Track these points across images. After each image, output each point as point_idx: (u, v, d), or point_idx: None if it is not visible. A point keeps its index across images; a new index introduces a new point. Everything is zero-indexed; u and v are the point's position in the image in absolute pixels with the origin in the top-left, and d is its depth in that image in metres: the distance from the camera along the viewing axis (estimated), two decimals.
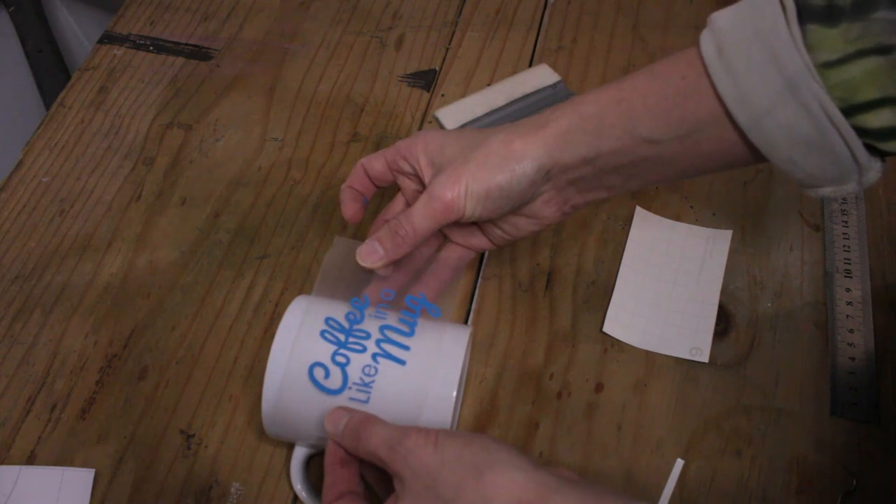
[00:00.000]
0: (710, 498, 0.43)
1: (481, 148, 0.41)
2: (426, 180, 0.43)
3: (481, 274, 0.51)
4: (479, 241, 0.46)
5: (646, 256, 0.52)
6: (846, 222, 0.53)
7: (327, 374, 0.39)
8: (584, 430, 0.45)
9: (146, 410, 0.46)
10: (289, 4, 0.68)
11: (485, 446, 0.34)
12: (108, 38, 0.65)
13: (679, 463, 0.44)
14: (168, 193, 0.55)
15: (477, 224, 0.46)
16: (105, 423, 0.45)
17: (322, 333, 0.40)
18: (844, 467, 0.44)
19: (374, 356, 0.39)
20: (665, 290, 0.50)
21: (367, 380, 0.39)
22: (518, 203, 0.41)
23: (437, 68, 0.63)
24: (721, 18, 0.36)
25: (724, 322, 0.49)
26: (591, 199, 0.43)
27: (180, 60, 0.63)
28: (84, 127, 0.59)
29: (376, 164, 0.45)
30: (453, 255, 0.47)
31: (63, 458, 0.44)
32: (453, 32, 0.65)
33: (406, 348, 0.39)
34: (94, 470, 0.43)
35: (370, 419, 0.37)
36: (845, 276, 0.51)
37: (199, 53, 0.64)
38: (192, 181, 0.56)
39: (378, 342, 0.39)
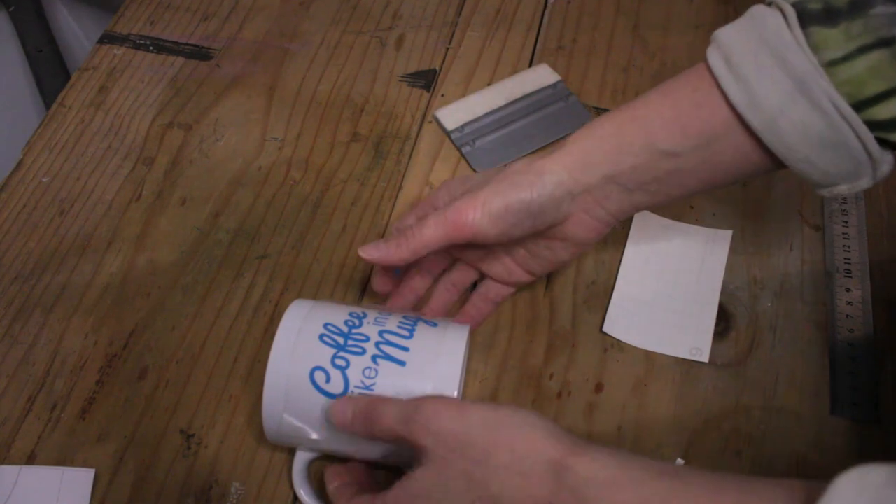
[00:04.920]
0: None
1: (501, 172, 0.41)
2: None
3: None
4: (518, 275, 0.46)
5: (646, 256, 0.52)
6: (846, 222, 0.53)
7: (328, 379, 0.39)
8: (584, 430, 0.45)
9: (146, 410, 0.46)
10: (289, 4, 0.68)
11: (513, 410, 0.34)
12: (108, 38, 0.65)
13: (679, 463, 0.44)
14: (168, 193, 0.55)
15: (512, 258, 0.46)
16: (105, 423, 0.45)
17: (321, 337, 0.40)
18: (844, 467, 0.44)
19: (373, 358, 0.39)
20: (665, 290, 0.50)
21: (367, 382, 0.38)
22: (542, 221, 0.41)
23: (437, 68, 0.63)
24: (724, 33, 0.38)
25: (724, 322, 0.49)
26: (622, 216, 0.43)
27: (180, 60, 0.63)
28: (84, 127, 0.59)
29: (409, 219, 0.46)
30: (490, 291, 0.48)
31: (63, 458, 0.44)
32: (453, 32, 0.65)
33: (405, 349, 0.39)
34: (94, 470, 0.43)
35: (377, 400, 0.37)
36: (845, 276, 0.51)
37: (199, 53, 0.64)
38: (192, 181, 0.56)
39: (377, 344, 0.39)
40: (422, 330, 0.41)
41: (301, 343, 0.40)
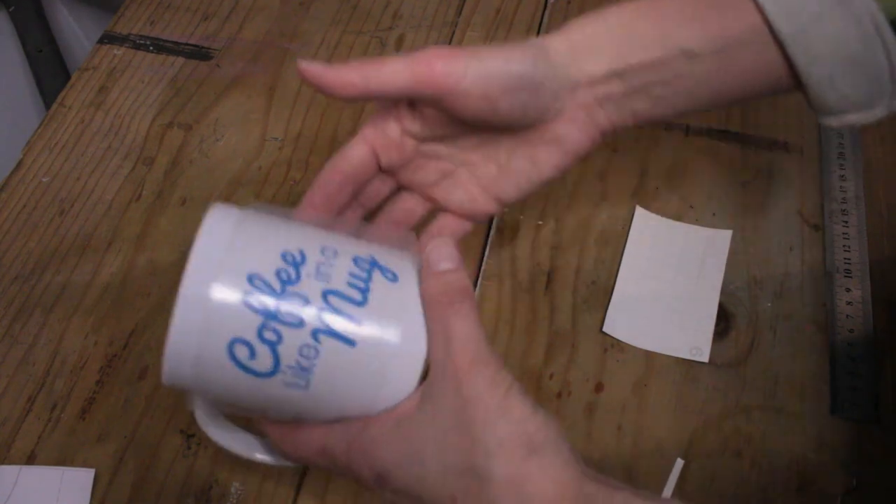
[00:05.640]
0: (710, 498, 0.43)
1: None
2: None
3: (482, 274, 0.51)
4: (483, 204, 0.39)
5: (646, 256, 0.52)
6: (846, 222, 0.53)
7: (252, 355, 0.30)
8: (584, 430, 0.45)
9: (146, 410, 0.46)
10: (289, 4, 0.67)
11: (547, 424, 0.29)
12: (108, 38, 0.65)
13: (679, 463, 0.44)
14: (168, 193, 0.55)
15: (478, 179, 0.39)
16: (105, 423, 0.45)
17: (245, 299, 0.29)
18: (844, 467, 0.44)
19: (314, 333, 0.30)
20: (665, 290, 0.50)
21: (305, 363, 0.30)
22: (536, 103, 0.35)
23: None
24: None
25: (724, 322, 0.49)
26: (618, 123, 0.37)
27: (180, 60, 0.63)
28: (84, 127, 0.59)
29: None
30: (446, 229, 0.40)
31: (63, 458, 0.44)
32: (453, 32, 0.65)
33: (356, 321, 0.31)
34: (94, 470, 0.43)
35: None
36: (845, 276, 0.51)
37: (199, 53, 0.64)
38: (192, 181, 0.56)
39: (320, 313, 0.30)
40: (378, 289, 0.31)
41: (218, 302, 0.29)
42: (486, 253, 0.52)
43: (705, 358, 0.48)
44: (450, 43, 0.64)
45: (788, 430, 0.45)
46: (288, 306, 0.30)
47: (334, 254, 0.32)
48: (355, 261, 0.32)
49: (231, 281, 0.30)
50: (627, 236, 0.53)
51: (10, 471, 0.43)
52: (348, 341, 0.30)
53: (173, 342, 0.30)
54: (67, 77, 0.65)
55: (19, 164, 0.57)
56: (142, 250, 0.53)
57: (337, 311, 0.30)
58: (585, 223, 0.54)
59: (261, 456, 0.36)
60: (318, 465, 0.33)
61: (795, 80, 0.36)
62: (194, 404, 0.35)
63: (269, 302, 0.29)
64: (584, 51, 0.36)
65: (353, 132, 0.58)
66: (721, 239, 0.53)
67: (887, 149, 0.57)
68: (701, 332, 0.49)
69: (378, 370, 0.31)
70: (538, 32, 0.65)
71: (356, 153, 0.38)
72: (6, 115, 0.77)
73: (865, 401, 0.46)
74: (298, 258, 0.31)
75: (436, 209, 0.41)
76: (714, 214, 0.54)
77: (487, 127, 0.37)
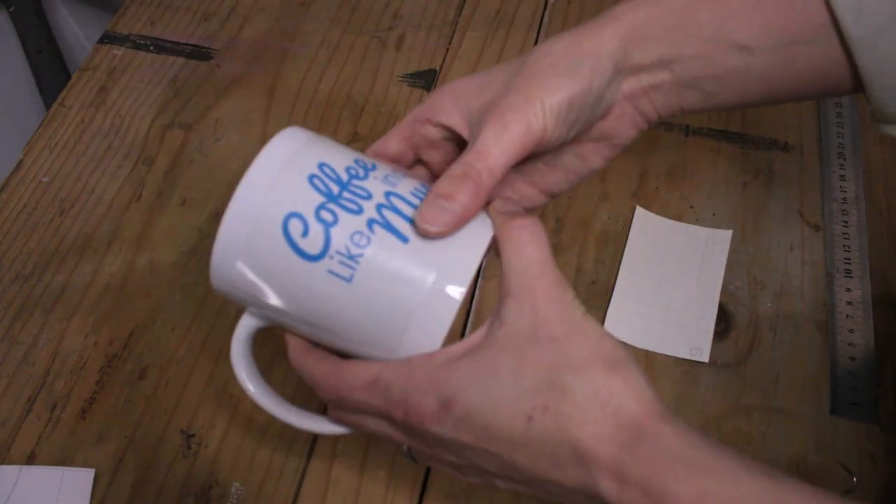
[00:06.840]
0: None
1: (541, 60, 0.33)
2: (467, 135, 0.34)
3: (481, 274, 0.51)
4: (533, 199, 0.39)
5: (646, 256, 0.52)
6: (846, 222, 0.53)
7: (306, 232, 0.31)
8: None
9: (146, 410, 0.46)
10: (289, 4, 0.67)
11: (622, 346, 0.30)
12: (108, 38, 0.65)
13: None
14: (168, 193, 0.55)
15: (527, 178, 0.38)
16: (105, 423, 0.45)
17: (310, 178, 0.31)
18: (844, 467, 0.44)
19: (369, 223, 0.31)
20: (665, 290, 0.50)
21: (354, 251, 0.30)
22: (594, 114, 0.35)
23: (437, 68, 0.63)
24: None
25: (724, 322, 0.49)
26: (666, 113, 0.36)
27: (180, 60, 0.63)
28: (84, 127, 0.59)
29: (392, 145, 0.37)
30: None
31: (63, 458, 0.44)
32: (453, 32, 0.65)
33: (413, 223, 0.31)
34: (94, 470, 0.43)
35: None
36: (845, 276, 0.51)
37: (199, 53, 0.64)
38: (193, 181, 0.56)
39: (379, 207, 0.31)
40: None
41: (284, 178, 0.31)
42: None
43: (705, 358, 0.48)
44: (450, 42, 0.64)
45: (788, 430, 0.45)
46: (350, 194, 0.31)
47: (404, 175, 0.34)
48: (422, 185, 0.33)
49: (301, 162, 0.32)
50: (627, 236, 0.53)
51: (10, 471, 0.43)
52: (401, 237, 0.31)
53: (235, 208, 0.32)
54: (67, 77, 0.65)
55: (19, 164, 0.57)
56: (142, 250, 0.53)
57: (396, 209, 0.31)
58: (585, 223, 0.54)
59: (297, 420, 0.36)
60: (360, 408, 0.32)
61: (856, 85, 0.34)
62: (237, 333, 0.35)
63: (333, 187, 0.31)
64: (637, 39, 0.34)
65: (352, 134, 0.58)
66: (721, 239, 0.53)
67: (887, 149, 0.57)
68: (701, 332, 0.49)
69: (424, 273, 0.31)
70: (538, 33, 0.65)
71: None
72: (6, 115, 0.77)
73: (865, 401, 0.46)
74: (369, 166, 0.33)
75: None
76: (714, 214, 0.54)
77: None
